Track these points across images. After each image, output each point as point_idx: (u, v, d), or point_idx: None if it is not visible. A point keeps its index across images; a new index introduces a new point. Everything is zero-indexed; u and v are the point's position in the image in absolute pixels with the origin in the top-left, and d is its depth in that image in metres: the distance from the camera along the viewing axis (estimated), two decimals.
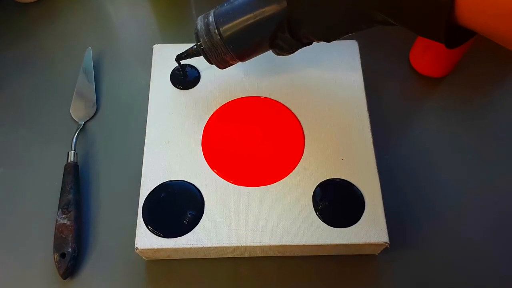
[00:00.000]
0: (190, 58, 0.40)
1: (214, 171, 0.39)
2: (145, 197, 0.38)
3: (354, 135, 0.41)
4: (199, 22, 0.35)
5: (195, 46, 0.38)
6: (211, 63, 0.38)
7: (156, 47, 0.46)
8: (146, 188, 0.38)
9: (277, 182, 0.38)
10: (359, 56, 0.45)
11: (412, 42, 0.51)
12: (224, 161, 0.39)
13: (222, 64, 0.37)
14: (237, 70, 0.44)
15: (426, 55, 0.49)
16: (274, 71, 0.45)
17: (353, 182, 0.39)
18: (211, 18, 0.34)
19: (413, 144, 0.46)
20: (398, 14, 0.27)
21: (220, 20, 0.34)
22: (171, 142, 0.40)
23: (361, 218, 0.37)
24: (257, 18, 0.32)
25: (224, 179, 0.39)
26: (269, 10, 0.32)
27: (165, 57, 0.45)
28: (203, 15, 0.36)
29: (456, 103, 0.49)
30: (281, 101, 0.43)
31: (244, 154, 0.40)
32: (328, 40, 0.33)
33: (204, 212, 0.37)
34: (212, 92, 0.43)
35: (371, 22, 0.29)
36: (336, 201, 0.38)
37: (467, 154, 0.45)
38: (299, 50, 0.36)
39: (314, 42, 0.35)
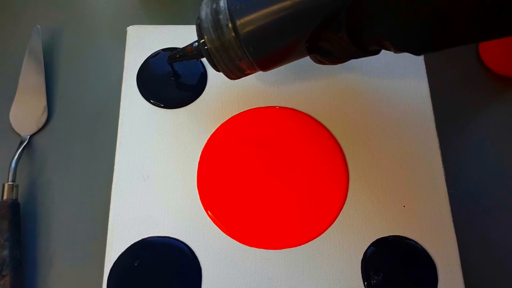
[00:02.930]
0: (188, 60, 0.29)
1: (216, 224, 0.27)
2: (113, 263, 0.26)
3: (420, 171, 0.29)
4: (204, 8, 0.24)
5: (196, 44, 0.27)
6: (218, 70, 0.26)
7: (132, 30, 0.33)
8: (114, 249, 0.27)
9: (309, 242, 0.27)
10: (423, 59, 0.32)
11: None
12: (231, 209, 0.28)
13: (235, 73, 0.26)
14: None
15: (502, 47, 0.37)
16: (301, 73, 0.32)
17: (419, 242, 0.27)
18: (222, 3, 0.23)
19: (488, 172, 0.34)
20: None
21: (237, 7, 0.23)
22: (152, 178, 0.28)
23: None
24: (298, 7, 0.22)
25: (232, 237, 0.27)
26: None
27: (144, 44, 0.33)
28: None
29: None
30: (313, 115, 0.30)
31: (260, 198, 0.28)
32: (421, 51, 0.21)
33: None
34: (213, 100, 0.31)
35: None
36: (396, 272, 0.27)
37: None
38: None
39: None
